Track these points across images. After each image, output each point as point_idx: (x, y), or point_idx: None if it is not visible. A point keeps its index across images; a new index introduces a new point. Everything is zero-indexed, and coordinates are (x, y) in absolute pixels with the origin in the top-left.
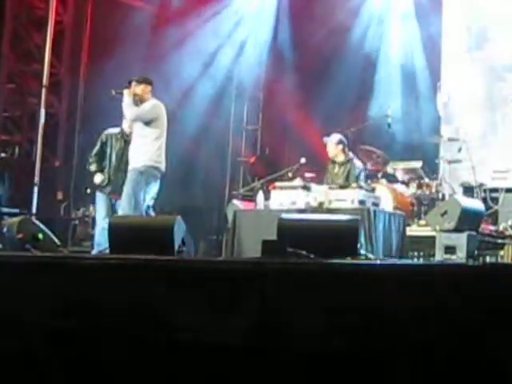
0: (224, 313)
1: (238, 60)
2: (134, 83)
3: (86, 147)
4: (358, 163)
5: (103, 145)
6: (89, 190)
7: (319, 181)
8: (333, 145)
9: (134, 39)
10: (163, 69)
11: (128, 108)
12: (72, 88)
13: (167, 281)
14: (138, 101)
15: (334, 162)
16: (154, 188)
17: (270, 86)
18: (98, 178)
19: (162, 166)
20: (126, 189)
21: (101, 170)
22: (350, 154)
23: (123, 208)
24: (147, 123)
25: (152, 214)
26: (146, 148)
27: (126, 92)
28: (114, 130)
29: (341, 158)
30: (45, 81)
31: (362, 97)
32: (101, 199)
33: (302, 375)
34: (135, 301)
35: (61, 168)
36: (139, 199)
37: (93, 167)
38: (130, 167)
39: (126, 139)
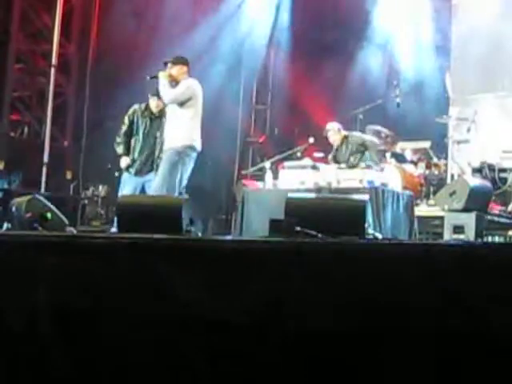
0: (232, 291)
1: (247, 40)
2: (169, 65)
3: (94, 127)
4: (355, 133)
5: (131, 123)
6: (117, 174)
7: (328, 160)
8: (335, 133)
9: (143, 19)
10: (172, 49)
11: (165, 91)
12: (81, 68)
13: (175, 259)
14: (174, 82)
15: (337, 150)
16: (189, 168)
17: (279, 66)
18: (124, 163)
19: (198, 145)
20: (162, 169)
21: (127, 152)
22: (346, 132)
23: (156, 188)
24: (182, 104)
25: (185, 195)
26: (182, 128)
27: (161, 75)
28: (140, 107)
29: (339, 140)
30: (54, 60)
31: (371, 76)
32: (127, 179)
33: (308, 355)
34: (143, 280)
35: (70, 147)
36: (174, 179)
37: (120, 149)
38: (165, 147)
39: (151, 117)
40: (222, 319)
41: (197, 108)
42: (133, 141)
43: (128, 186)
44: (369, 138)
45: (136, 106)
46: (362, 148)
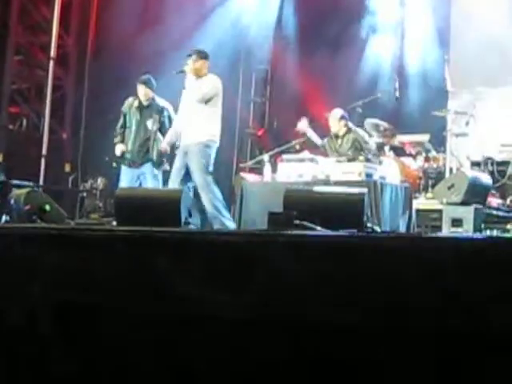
0: (230, 285)
1: (246, 32)
2: (193, 57)
3: (93, 119)
4: (360, 131)
5: (125, 115)
6: (114, 164)
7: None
8: (336, 120)
9: (142, 11)
10: (171, 41)
11: (195, 89)
12: (79, 60)
13: (173, 252)
14: (196, 76)
15: (336, 137)
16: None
17: (277, 58)
18: (118, 150)
19: (218, 139)
20: (197, 164)
21: (122, 141)
22: (350, 125)
23: (200, 184)
24: (207, 101)
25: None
26: (208, 122)
27: (188, 70)
28: (134, 98)
29: (342, 131)
30: (52, 53)
31: (370, 69)
32: (124, 171)
33: (308, 351)
34: (140, 273)
35: (68, 140)
36: (209, 171)
37: (116, 139)
38: (190, 141)
39: (141, 107)
40: (221, 315)
41: (219, 103)
42: (126, 132)
43: (125, 179)
44: (369, 141)
45: (130, 98)
46: (359, 147)
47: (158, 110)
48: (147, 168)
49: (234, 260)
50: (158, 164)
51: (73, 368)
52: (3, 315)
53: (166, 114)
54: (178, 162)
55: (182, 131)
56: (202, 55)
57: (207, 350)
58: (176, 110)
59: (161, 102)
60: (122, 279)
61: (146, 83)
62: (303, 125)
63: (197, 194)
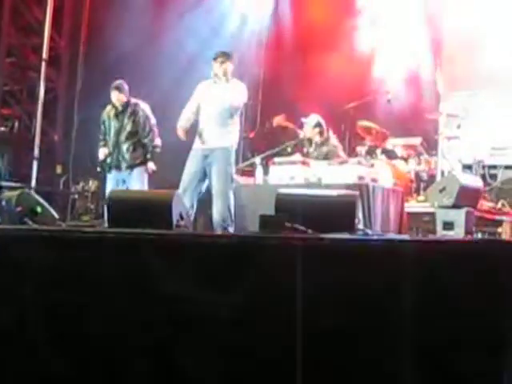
0: (220, 287)
1: (237, 36)
2: (222, 59)
3: (85, 121)
4: (335, 143)
5: (104, 123)
6: (98, 169)
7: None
8: (310, 128)
9: (135, 14)
10: (163, 43)
11: (226, 93)
12: (71, 62)
13: (164, 254)
14: (226, 79)
15: (309, 142)
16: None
17: (270, 62)
18: (101, 153)
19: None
20: (222, 170)
21: (105, 145)
22: (327, 135)
23: (221, 191)
24: (239, 105)
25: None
26: (234, 129)
27: (221, 72)
28: (110, 108)
29: (316, 139)
30: (44, 54)
31: (362, 72)
32: (108, 176)
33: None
34: (132, 274)
35: (60, 142)
36: (232, 179)
37: (100, 143)
38: (216, 145)
39: (116, 112)
40: (211, 315)
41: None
42: (107, 139)
43: (110, 184)
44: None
45: (108, 107)
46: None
47: (133, 112)
48: (131, 171)
49: (224, 262)
50: (142, 163)
51: (62, 368)
52: None
53: (141, 113)
54: (194, 166)
55: (204, 133)
56: (230, 57)
57: (196, 349)
58: (155, 110)
59: (136, 103)
60: (113, 280)
61: (119, 88)
62: (280, 120)
63: (204, 198)
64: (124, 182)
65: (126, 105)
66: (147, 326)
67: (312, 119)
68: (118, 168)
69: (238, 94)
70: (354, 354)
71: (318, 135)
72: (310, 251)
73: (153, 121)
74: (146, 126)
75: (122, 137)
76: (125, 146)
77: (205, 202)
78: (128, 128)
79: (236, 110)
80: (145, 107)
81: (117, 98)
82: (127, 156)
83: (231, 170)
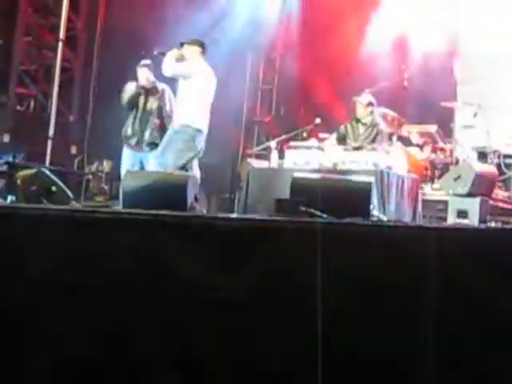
0: (233, 270)
1: (254, 20)
2: (185, 46)
3: (100, 102)
4: (384, 128)
5: (128, 99)
6: (114, 142)
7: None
8: (363, 106)
9: None
10: (179, 27)
11: (167, 64)
12: (88, 43)
13: (179, 236)
14: (183, 61)
15: (358, 121)
16: (193, 146)
17: (286, 46)
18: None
19: (202, 128)
20: (164, 147)
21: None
22: (378, 118)
23: (161, 163)
24: (189, 83)
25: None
26: (186, 108)
27: (169, 53)
28: (131, 84)
29: (368, 119)
30: (61, 35)
31: (378, 58)
32: (126, 154)
33: (310, 335)
34: (146, 255)
35: (75, 122)
36: (176, 157)
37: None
38: (170, 125)
39: (144, 91)
40: (224, 298)
41: (205, 91)
42: (131, 116)
43: (127, 162)
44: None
45: (130, 83)
46: (375, 132)
47: (161, 93)
48: (150, 151)
49: (238, 245)
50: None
51: (74, 350)
52: (7, 295)
53: (167, 97)
54: None
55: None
56: (195, 43)
57: (206, 330)
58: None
59: (163, 87)
60: (127, 262)
61: (149, 67)
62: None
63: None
64: (141, 163)
65: (154, 85)
66: (161, 308)
67: (365, 98)
68: (138, 145)
69: (176, 64)
70: (374, 339)
71: (370, 115)
72: (324, 235)
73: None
74: (169, 110)
75: (147, 115)
76: (148, 125)
77: (218, 185)
78: (154, 108)
79: (168, 75)
80: (168, 90)
81: (146, 76)
82: (149, 135)
83: (172, 149)
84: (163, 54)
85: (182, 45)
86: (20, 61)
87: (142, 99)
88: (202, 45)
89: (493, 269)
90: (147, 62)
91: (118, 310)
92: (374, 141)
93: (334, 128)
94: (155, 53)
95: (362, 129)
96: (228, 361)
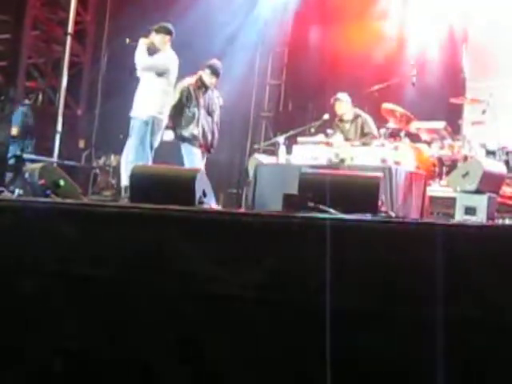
0: (243, 266)
1: (264, 15)
2: (152, 33)
3: (108, 96)
4: (367, 117)
5: (182, 97)
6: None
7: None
8: (347, 104)
9: None
10: (187, 20)
11: (140, 56)
12: (97, 37)
13: (186, 231)
14: (154, 50)
15: (341, 120)
16: (158, 137)
17: (294, 41)
18: (167, 135)
19: (165, 118)
20: (132, 138)
21: (173, 127)
22: (357, 110)
23: (129, 157)
24: (158, 74)
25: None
26: (153, 99)
27: (141, 41)
28: (191, 80)
29: (350, 115)
30: (70, 28)
31: (387, 54)
32: (194, 153)
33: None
34: (155, 250)
35: (83, 116)
36: (146, 148)
37: (168, 123)
38: (133, 115)
39: (207, 87)
40: (233, 293)
41: (170, 83)
42: (188, 115)
43: (197, 161)
44: (373, 126)
45: (187, 80)
46: (360, 123)
47: (218, 97)
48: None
49: (246, 240)
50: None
51: (84, 340)
52: (18, 288)
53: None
54: None
55: None
56: (162, 30)
57: (213, 324)
58: None
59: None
60: (135, 256)
61: (214, 72)
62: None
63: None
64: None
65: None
66: (168, 303)
67: (342, 95)
68: (206, 147)
69: (151, 57)
70: (383, 338)
71: (351, 110)
72: (333, 231)
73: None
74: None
75: (208, 114)
76: (207, 126)
77: (226, 180)
78: (213, 109)
79: (143, 70)
80: None
81: (213, 81)
82: (211, 135)
83: (141, 140)
84: (136, 42)
85: (149, 31)
86: (28, 54)
87: (198, 96)
88: (170, 32)
89: (501, 266)
90: (219, 66)
91: (126, 303)
92: (363, 132)
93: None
94: (127, 42)
95: (347, 125)
96: (238, 360)
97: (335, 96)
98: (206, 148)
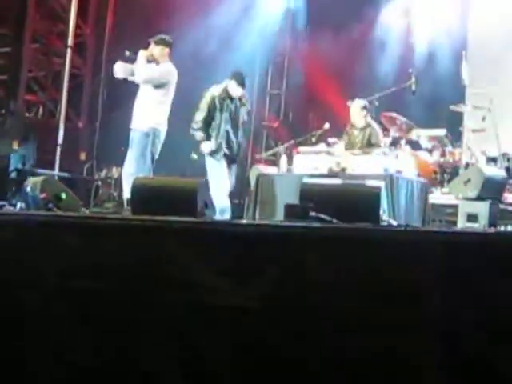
0: (245, 277)
1: (263, 25)
2: (152, 44)
3: (109, 109)
4: (377, 128)
5: (210, 109)
6: (195, 156)
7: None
8: (357, 110)
9: (161, 1)
10: (187, 31)
11: (140, 68)
12: (97, 49)
13: (187, 242)
14: (154, 62)
15: (352, 126)
16: (159, 148)
17: (294, 51)
18: (206, 147)
19: (164, 130)
20: (133, 150)
21: (207, 137)
22: (369, 119)
23: (130, 169)
24: (156, 86)
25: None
26: (151, 110)
27: (141, 53)
28: (218, 90)
29: (361, 123)
30: (70, 41)
31: (386, 63)
32: (223, 166)
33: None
34: (156, 262)
35: (84, 129)
36: (147, 160)
37: (198, 135)
38: (133, 126)
39: (232, 98)
40: (236, 305)
41: (169, 95)
42: (216, 126)
43: (228, 174)
44: (381, 138)
45: (214, 90)
46: (368, 133)
47: (242, 104)
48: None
49: (248, 251)
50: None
51: (86, 352)
52: (19, 301)
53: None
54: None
55: None
56: (162, 42)
57: (213, 335)
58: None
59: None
60: (137, 268)
61: (240, 82)
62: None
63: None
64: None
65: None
66: (170, 315)
67: (358, 102)
68: (232, 158)
69: (151, 70)
70: (378, 344)
71: (363, 119)
72: (335, 241)
73: None
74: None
75: (236, 126)
76: (233, 137)
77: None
78: (239, 120)
79: (143, 83)
80: None
81: (239, 93)
82: (236, 146)
83: (142, 152)
84: (135, 55)
85: (148, 43)
86: (28, 68)
87: (226, 107)
88: (169, 44)
89: (504, 273)
90: (244, 75)
91: (129, 315)
92: (369, 142)
93: (343, 133)
94: (127, 54)
95: (356, 132)
96: (240, 370)
97: (349, 102)
98: (231, 159)
